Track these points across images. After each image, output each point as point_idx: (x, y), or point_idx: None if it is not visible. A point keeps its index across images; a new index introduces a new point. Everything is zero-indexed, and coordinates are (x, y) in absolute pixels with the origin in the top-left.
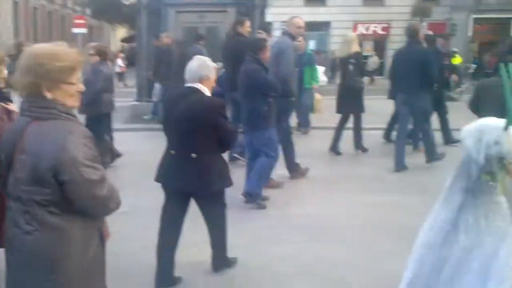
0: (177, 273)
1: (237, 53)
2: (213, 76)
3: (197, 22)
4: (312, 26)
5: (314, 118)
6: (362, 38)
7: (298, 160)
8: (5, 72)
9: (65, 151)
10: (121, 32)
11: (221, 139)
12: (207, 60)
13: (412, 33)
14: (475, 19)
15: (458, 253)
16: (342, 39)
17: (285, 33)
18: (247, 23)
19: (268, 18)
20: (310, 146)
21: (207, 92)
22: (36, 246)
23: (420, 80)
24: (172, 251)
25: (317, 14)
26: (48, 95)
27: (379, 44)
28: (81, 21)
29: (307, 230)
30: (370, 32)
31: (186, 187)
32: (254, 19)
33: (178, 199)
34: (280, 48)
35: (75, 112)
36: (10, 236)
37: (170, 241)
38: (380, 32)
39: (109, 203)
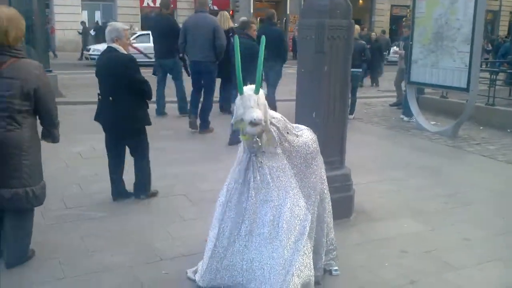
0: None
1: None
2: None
3: None
4: None
5: None
6: (149, 11)
7: None
8: None
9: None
10: None
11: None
12: (118, 24)
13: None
14: None
15: (252, 208)
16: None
17: None
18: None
19: None
20: None
21: (122, 50)
22: (18, 137)
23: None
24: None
25: None
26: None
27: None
28: None
29: None
30: (157, 4)
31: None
32: None
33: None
34: None
35: None
36: None
37: (116, 166)
38: None
39: (55, 113)
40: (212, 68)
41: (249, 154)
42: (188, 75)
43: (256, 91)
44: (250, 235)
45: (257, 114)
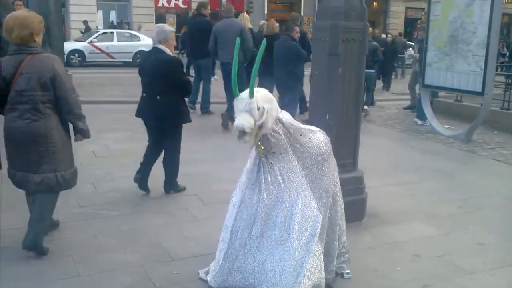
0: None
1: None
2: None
3: None
4: None
5: None
6: (165, 11)
7: None
8: None
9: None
10: None
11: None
12: (165, 26)
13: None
14: None
15: (264, 210)
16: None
17: None
18: (208, 6)
19: None
20: None
21: (168, 52)
22: (43, 127)
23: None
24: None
25: None
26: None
27: (182, 17)
28: None
29: None
30: (172, 5)
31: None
32: None
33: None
34: None
35: None
36: (16, 126)
37: (151, 158)
38: (182, 5)
39: (75, 103)
40: (241, 69)
41: (258, 155)
42: (212, 75)
43: (250, 95)
44: (261, 236)
45: (241, 121)
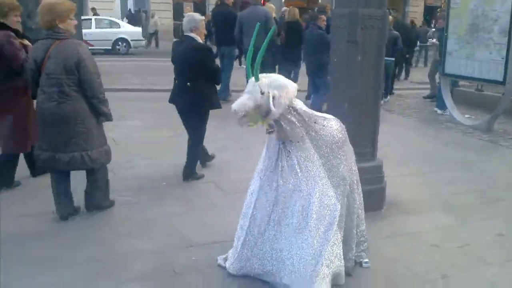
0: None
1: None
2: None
3: None
4: None
5: None
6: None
7: None
8: (18, 18)
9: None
10: None
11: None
12: (196, 15)
13: None
14: None
15: (281, 197)
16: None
17: None
18: None
19: None
20: None
21: (199, 39)
22: (70, 109)
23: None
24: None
25: None
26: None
27: (199, 6)
28: None
29: None
30: None
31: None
32: None
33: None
34: None
35: None
36: (45, 108)
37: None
38: None
39: (98, 87)
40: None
41: (277, 143)
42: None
43: (256, 78)
44: (278, 225)
45: (235, 104)
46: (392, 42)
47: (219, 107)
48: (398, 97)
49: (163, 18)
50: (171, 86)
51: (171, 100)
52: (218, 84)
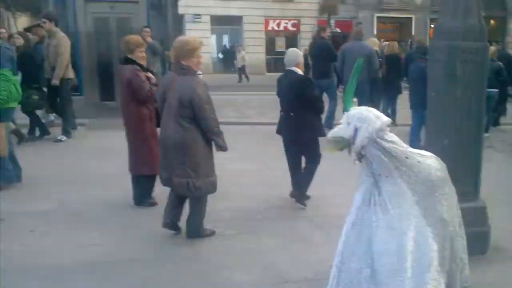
0: None
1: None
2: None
3: (108, 13)
4: (224, 20)
5: None
6: (274, 34)
7: None
8: (143, 53)
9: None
10: (23, 20)
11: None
12: (298, 51)
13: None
14: (378, 18)
15: (375, 235)
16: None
17: None
18: (328, 29)
19: (180, 10)
20: None
21: (300, 72)
22: (182, 138)
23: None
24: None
25: (229, 7)
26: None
27: (291, 40)
28: None
29: None
30: (281, 28)
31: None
32: (167, 11)
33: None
34: None
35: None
36: (164, 134)
37: (295, 170)
38: (291, 28)
39: (212, 122)
40: (365, 88)
41: (367, 177)
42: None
43: (347, 109)
44: (374, 264)
45: (329, 133)
46: (495, 73)
47: (323, 135)
48: (500, 132)
49: (256, 53)
50: (264, 119)
51: (278, 131)
52: (321, 113)
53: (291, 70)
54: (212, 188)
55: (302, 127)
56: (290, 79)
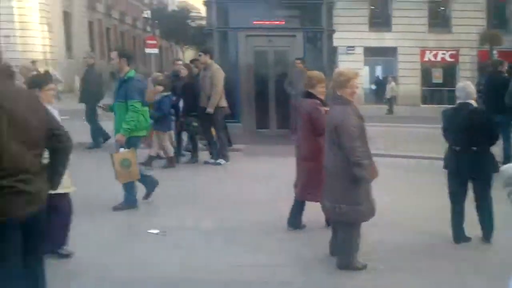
0: None
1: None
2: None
3: (266, 46)
4: (378, 52)
5: None
6: (431, 65)
7: None
8: (324, 88)
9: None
10: (190, 53)
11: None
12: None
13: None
14: None
15: None
16: None
17: None
18: (506, 64)
19: (335, 42)
20: None
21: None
22: (332, 163)
23: None
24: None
25: (383, 39)
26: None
27: (448, 71)
28: (153, 42)
29: None
30: (438, 59)
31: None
32: (322, 44)
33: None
34: None
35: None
36: (324, 161)
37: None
38: (449, 59)
39: (350, 151)
40: None
41: None
42: None
43: None
44: None
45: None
46: None
47: (496, 171)
48: None
49: (411, 84)
50: (410, 153)
51: (446, 166)
52: (492, 145)
53: (467, 104)
54: (360, 217)
55: (479, 162)
56: (467, 113)
